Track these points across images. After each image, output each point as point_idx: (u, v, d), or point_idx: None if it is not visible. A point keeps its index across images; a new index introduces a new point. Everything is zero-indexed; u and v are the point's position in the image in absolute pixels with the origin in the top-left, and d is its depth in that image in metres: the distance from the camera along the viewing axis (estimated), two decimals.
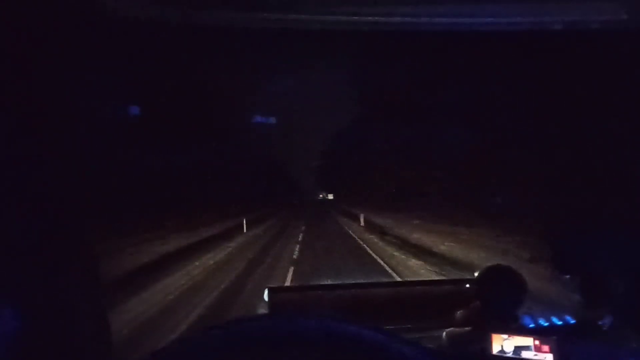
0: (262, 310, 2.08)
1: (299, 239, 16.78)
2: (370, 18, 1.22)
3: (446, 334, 1.84)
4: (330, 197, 64.94)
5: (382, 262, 11.26)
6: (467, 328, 1.80)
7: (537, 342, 1.19)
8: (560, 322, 1.52)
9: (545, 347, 1.18)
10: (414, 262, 11.07)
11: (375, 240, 16.15)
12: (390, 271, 10.03)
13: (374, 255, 12.60)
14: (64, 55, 1.08)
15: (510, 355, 1.21)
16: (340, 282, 5.11)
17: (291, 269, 10.36)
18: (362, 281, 4.25)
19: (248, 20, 1.22)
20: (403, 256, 12.11)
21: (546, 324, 1.50)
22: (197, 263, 11.55)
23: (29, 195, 1.01)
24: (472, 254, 11.36)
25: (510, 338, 1.24)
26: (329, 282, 6.48)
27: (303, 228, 21.42)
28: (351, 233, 19.30)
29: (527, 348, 1.21)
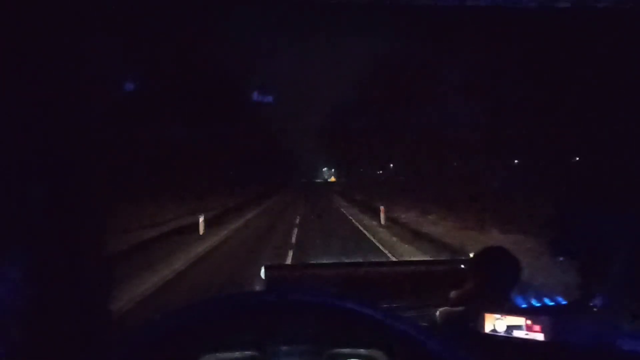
0: (259, 287, 2.10)
1: None
2: None
3: (440, 313, 1.86)
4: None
5: None
6: (460, 307, 1.82)
7: (528, 322, 1.21)
8: (552, 303, 1.54)
9: (537, 327, 1.20)
10: None
11: None
12: None
13: None
14: (68, 32, 1.07)
15: (502, 334, 1.24)
16: (337, 261, 5.16)
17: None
18: (359, 260, 4.30)
19: None
20: None
21: (538, 304, 1.52)
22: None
23: (35, 169, 1.01)
24: None
25: (503, 318, 1.26)
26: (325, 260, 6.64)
27: None
28: None
29: (518, 327, 1.23)
